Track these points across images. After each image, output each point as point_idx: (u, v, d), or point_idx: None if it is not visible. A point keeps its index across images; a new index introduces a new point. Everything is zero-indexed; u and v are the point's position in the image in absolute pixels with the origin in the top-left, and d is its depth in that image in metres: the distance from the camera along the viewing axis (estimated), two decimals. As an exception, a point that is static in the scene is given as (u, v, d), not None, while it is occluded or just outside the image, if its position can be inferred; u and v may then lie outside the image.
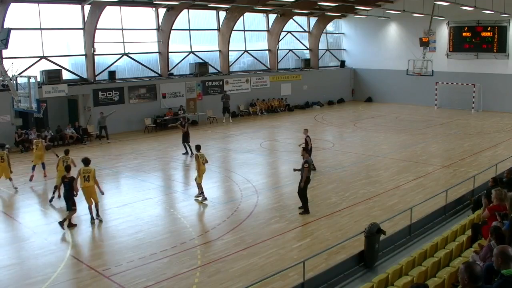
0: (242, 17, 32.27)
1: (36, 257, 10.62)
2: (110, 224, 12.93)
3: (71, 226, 12.24)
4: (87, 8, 25.08)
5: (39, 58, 24.17)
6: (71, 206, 12.21)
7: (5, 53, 20.11)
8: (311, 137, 17.44)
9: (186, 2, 26.54)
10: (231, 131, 26.79)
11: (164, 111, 27.99)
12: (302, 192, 13.24)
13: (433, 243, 9.20)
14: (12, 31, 15.77)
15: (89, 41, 25.31)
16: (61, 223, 12.14)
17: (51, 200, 14.36)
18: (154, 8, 28.35)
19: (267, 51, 35.44)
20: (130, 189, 15.66)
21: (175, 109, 28.24)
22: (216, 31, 31.93)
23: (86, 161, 12.86)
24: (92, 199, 12.61)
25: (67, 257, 10.56)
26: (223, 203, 14.46)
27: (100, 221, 12.74)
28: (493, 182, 12.17)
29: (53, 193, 14.54)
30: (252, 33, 34.65)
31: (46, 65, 24.27)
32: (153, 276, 9.68)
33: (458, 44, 33.71)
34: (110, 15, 25.94)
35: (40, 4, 23.76)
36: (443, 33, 34.24)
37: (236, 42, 32.97)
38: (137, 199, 14.57)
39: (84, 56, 25.77)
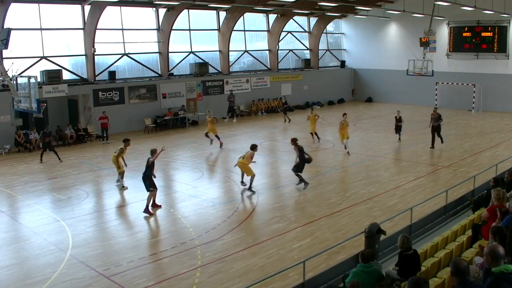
0: (242, 17, 32.28)
1: (36, 257, 10.62)
2: (110, 224, 12.96)
3: None
4: (87, 8, 25.08)
5: (39, 58, 24.17)
6: None
7: (5, 53, 20.08)
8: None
9: (186, 2, 26.54)
10: (231, 131, 26.78)
11: (164, 111, 27.98)
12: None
13: (433, 243, 9.20)
14: (12, 31, 15.75)
15: (89, 41, 25.31)
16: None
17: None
18: (154, 8, 28.36)
19: (267, 51, 35.45)
20: (130, 189, 15.65)
21: (175, 109, 28.25)
22: (216, 31, 31.93)
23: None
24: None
25: (67, 257, 10.56)
26: (223, 203, 14.45)
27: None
28: (494, 182, 12.19)
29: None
30: (252, 33, 34.65)
31: (46, 65, 24.27)
32: (153, 276, 9.68)
33: (458, 44, 33.71)
34: (110, 15, 25.94)
35: (40, 4, 23.76)
36: (443, 33, 34.24)
37: (236, 42, 32.98)
38: (137, 199, 14.56)
39: (84, 56, 25.77)
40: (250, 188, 15.12)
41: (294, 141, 15.67)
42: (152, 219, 13.06)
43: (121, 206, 14.46)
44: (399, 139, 22.76)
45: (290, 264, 9.38)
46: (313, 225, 12.39)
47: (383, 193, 14.99)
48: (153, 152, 13.74)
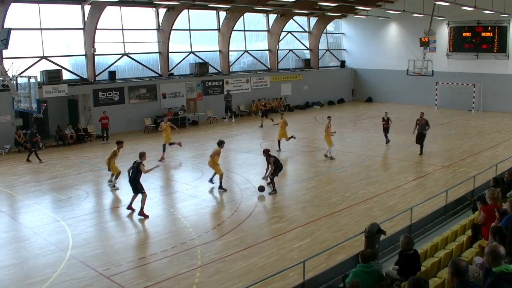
0: (242, 17, 32.27)
1: (36, 257, 10.62)
2: (110, 224, 12.97)
3: None
4: (87, 8, 25.07)
5: (39, 58, 24.17)
6: None
7: (5, 53, 20.12)
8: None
9: (186, 2, 26.54)
10: (231, 131, 26.80)
11: (164, 111, 27.97)
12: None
13: (433, 243, 9.20)
14: (12, 31, 15.77)
15: (89, 41, 25.30)
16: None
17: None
18: (154, 8, 28.36)
19: (267, 51, 35.45)
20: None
21: (175, 109, 28.25)
22: (216, 31, 31.93)
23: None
24: None
25: (67, 257, 10.56)
26: (223, 203, 14.46)
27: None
28: (494, 182, 12.21)
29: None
30: (252, 33, 34.65)
31: (46, 65, 24.26)
32: (153, 276, 9.68)
33: (458, 44, 33.71)
34: (110, 15, 25.93)
35: (40, 4, 23.75)
36: (443, 33, 34.24)
37: (236, 42, 32.98)
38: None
39: (84, 56, 25.77)
40: (220, 187, 15.24)
41: (266, 152, 15.36)
42: (152, 220, 13.05)
43: (120, 206, 14.43)
44: (387, 142, 22.15)
45: (290, 264, 9.38)
46: (313, 225, 12.39)
47: (383, 193, 14.99)
48: (142, 155, 13.53)
